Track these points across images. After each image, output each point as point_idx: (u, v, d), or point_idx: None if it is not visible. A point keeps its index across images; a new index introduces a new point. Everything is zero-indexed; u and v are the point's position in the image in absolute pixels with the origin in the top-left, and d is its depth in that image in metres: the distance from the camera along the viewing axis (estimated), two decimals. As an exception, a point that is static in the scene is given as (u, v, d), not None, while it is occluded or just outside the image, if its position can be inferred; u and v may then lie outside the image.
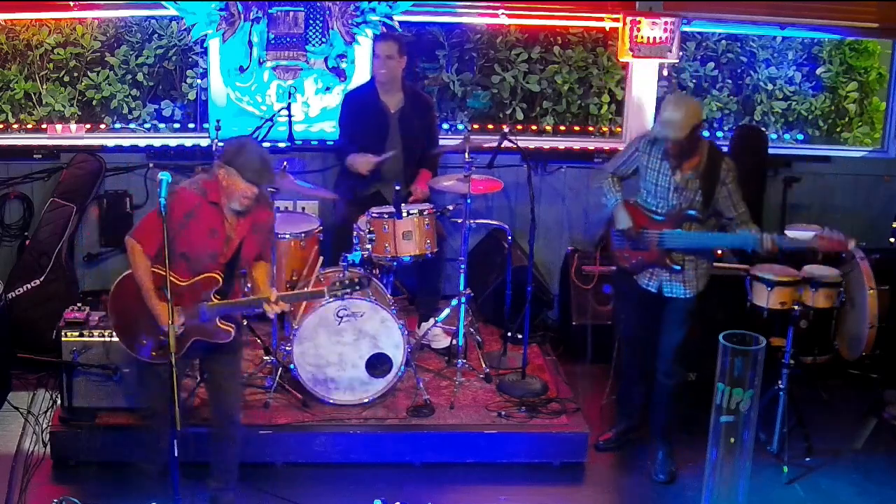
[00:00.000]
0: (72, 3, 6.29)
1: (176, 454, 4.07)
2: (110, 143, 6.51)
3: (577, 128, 7.02)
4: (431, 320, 5.79)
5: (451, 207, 5.70)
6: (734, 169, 4.72)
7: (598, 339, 5.93)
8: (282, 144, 6.29)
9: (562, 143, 6.88)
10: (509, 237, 5.81)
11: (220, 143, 5.91)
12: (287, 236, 5.60)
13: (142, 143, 6.55)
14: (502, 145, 5.56)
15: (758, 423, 3.84)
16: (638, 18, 6.41)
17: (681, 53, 6.62)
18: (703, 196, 4.67)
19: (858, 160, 7.07)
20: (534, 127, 6.99)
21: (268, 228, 4.45)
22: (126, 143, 6.49)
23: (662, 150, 4.69)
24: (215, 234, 4.19)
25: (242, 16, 6.32)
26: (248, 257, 4.36)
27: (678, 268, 4.75)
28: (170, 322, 4.00)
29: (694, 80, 7.01)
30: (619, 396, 5.33)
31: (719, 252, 5.95)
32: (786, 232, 6.15)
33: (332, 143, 6.31)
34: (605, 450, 5.19)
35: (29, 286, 6.02)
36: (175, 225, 4.09)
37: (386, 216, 5.43)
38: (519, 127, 6.96)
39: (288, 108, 6.03)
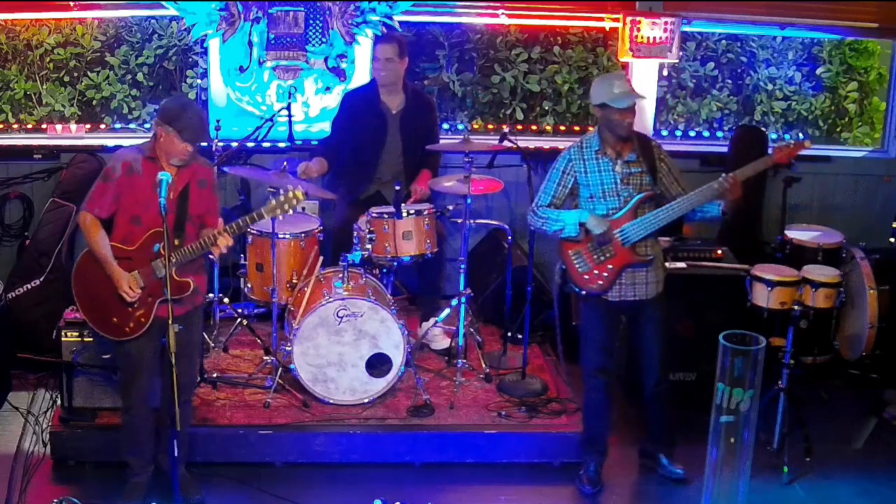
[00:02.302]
0: (72, 3, 6.29)
1: (176, 454, 4.09)
2: (110, 143, 6.51)
3: (577, 128, 7.02)
4: (431, 320, 5.79)
5: (451, 207, 5.70)
6: (660, 146, 4.77)
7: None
8: (282, 144, 6.31)
9: (562, 143, 6.84)
10: (509, 237, 5.81)
11: (220, 144, 5.95)
12: (287, 236, 5.60)
13: (142, 143, 6.53)
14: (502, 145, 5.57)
15: (758, 423, 3.82)
16: (638, 18, 6.41)
17: (681, 53, 6.62)
18: (651, 174, 4.65)
19: (858, 160, 7.07)
20: (534, 127, 6.99)
21: (211, 184, 4.55)
22: (126, 143, 6.45)
23: (595, 147, 4.66)
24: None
25: (242, 16, 6.32)
26: (194, 213, 4.41)
27: (651, 256, 4.68)
28: (170, 322, 4.02)
29: (694, 80, 7.01)
30: (587, 437, 5.02)
31: (719, 252, 5.96)
32: (786, 232, 6.19)
33: (316, 142, 6.30)
34: (593, 493, 4.91)
35: (29, 286, 6.02)
36: (123, 184, 4.32)
37: (386, 216, 5.43)
38: (519, 127, 6.96)
39: (288, 108, 6.04)
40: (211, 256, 5.54)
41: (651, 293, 4.74)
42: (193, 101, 4.61)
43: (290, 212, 4.49)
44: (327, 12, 6.38)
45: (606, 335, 4.80)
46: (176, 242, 4.27)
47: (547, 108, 6.99)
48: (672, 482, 4.94)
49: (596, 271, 4.68)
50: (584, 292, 4.75)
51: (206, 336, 5.59)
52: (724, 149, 6.80)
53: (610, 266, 4.66)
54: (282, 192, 4.46)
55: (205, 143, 4.45)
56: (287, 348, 5.22)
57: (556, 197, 4.73)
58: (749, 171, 4.56)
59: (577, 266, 4.72)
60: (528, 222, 4.81)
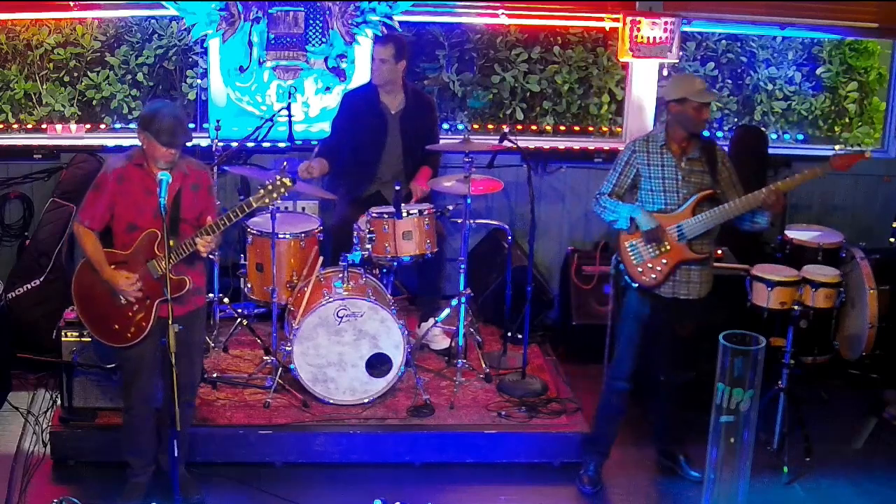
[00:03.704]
0: (72, 3, 6.29)
1: (176, 454, 4.09)
2: (110, 143, 6.50)
3: (577, 128, 7.02)
4: (431, 320, 5.79)
5: (451, 207, 5.70)
6: (724, 152, 4.85)
7: (599, 340, 5.94)
8: (282, 144, 6.31)
9: (562, 143, 6.88)
10: (509, 237, 5.81)
11: (220, 144, 5.95)
12: (287, 236, 5.60)
13: (130, 150, 6.52)
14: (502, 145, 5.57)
15: (758, 423, 3.83)
16: (638, 18, 6.40)
17: (681, 53, 6.61)
18: (712, 174, 4.70)
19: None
20: (534, 127, 6.99)
21: (206, 187, 4.55)
22: (126, 143, 6.47)
23: (661, 142, 4.70)
24: (151, 193, 4.29)
25: (242, 16, 6.32)
26: (190, 216, 4.42)
27: (707, 255, 4.72)
28: (170, 322, 4.02)
29: (694, 81, 7.01)
30: (592, 437, 5.06)
31: (719, 252, 5.97)
32: (786, 232, 6.19)
33: (316, 142, 6.30)
34: (593, 493, 4.93)
35: (29, 286, 6.02)
36: (115, 193, 4.34)
37: (386, 216, 5.43)
38: (519, 127, 6.96)
39: (288, 108, 6.04)
40: (211, 256, 5.56)
41: (703, 293, 4.78)
42: (169, 104, 4.56)
43: (279, 200, 4.50)
44: (327, 12, 6.38)
45: (642, 339, 4.81)
46: (171, 244, 4.27)
47: (547, 108, 6.98)
48: (691, 483, 4.94)
49: (650, 265, 4.71)
50: (636, 284, 4.76)
51: (206, 336, 5.59)
52: (725, 149, 6.79)
53: (664, 261, 4.69)
54: (269, 180, 4.46)
55: (187, 142, 4.42)
56: (287, 348, 5.22)
57: (617, 186, 4.78)
58: (798, 181, 4.69)
59: (632, 258, 4.75)
60: (592, 207, 4.89)
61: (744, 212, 4.64)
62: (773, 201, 4.61)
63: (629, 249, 4.75)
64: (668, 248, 4.68)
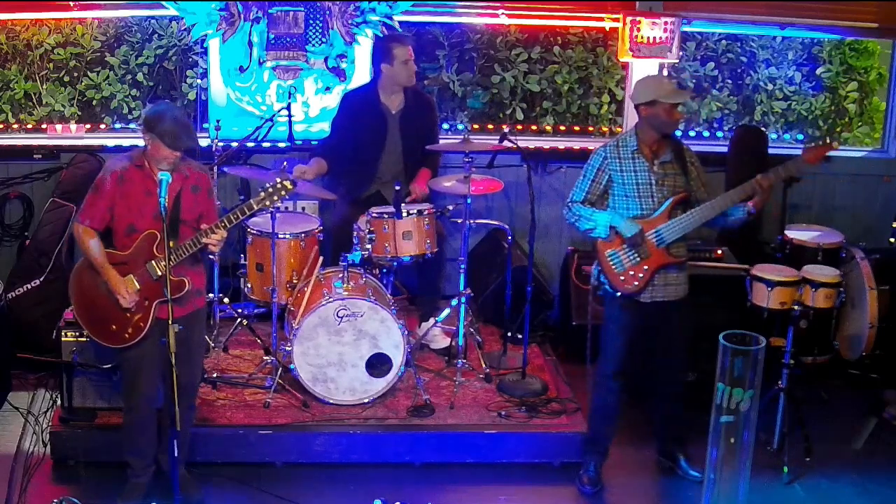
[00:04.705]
0: (72, 3, 6.29)
1: (176, 454, 4.09)
2: (110, 143, 6.51)
3: (577, 128, 7.02)
4: (431, 320, 5.79)
5: (451, 207, 5.70)
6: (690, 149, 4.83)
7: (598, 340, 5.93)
8: (282, 144, 6.31)
9: (562, 143, 6.88)
10: (509, 237, 5.81)
11: (220, 144, 5.95)
12: (287, 236, 5.60)
13: (141, 143, 6.52)
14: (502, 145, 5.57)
15: (758, 423, 3.83)
16: (638, 18, 6.40)
17: (681, 53, 6.61)
18: (684, 175, 4.68)
19: (858, 160, 7.07)
20: (534, 127, 6.99)
21: (206, 189, 4.54)
22: (126, 143, 6.48)
23: (633, 147, 4.67)
24: (151, 195, 4.30)
25: (242, 16, 6.32)
26: (190, 218, 4.42)
27: (685, 257, 4.71)
28: (170, 322, 4.02)
29: (694, 80, 7.01)
30: (590, 437, 5.03)
31: (719, 252, 5.96)
32: (786, 232, 6.19)
33: (315, 143, 6.29)
34: (594, 493, 4.92)
35: (29, 286, 6.02)
36: (115, 195, 4.34)
37: (386, 216, 5.43)
38: (519, 127, 6.96)
39: (288, 108, 6.04)
40: (211, 256, 5.57)
41: (681, 294, 4.78)
42: (174, 106, 4.58)
43: (280, 202, 4.53)
44: (327, 12, 6.38)
45: (628, 339, 4.80)
46: (171, 245, 4.27)
47: (547, 108, 6.99)
48: (691, 483, 4.92)
49: (632, 272, 4.69)
50: (618, 293, 4.73)
51: (206, 336, 5.59)
52: (724, 149, 6.80)
53: (645, 267, 4.67)
54: (270, 183, 4.46)
55: (192, 145, 4.43)
56: (287, 348, 5.22)
57: (590, 193, 4.75)
58: (781, 174, 4.65)
59: (613, 266, 4.71)
60: (563, 214, 4.86)
61: (722, 210, 4.62)
62: (757, 191, 4.60)
63: (610, 258, 4.72)
64: (649, 253, 4.66)
